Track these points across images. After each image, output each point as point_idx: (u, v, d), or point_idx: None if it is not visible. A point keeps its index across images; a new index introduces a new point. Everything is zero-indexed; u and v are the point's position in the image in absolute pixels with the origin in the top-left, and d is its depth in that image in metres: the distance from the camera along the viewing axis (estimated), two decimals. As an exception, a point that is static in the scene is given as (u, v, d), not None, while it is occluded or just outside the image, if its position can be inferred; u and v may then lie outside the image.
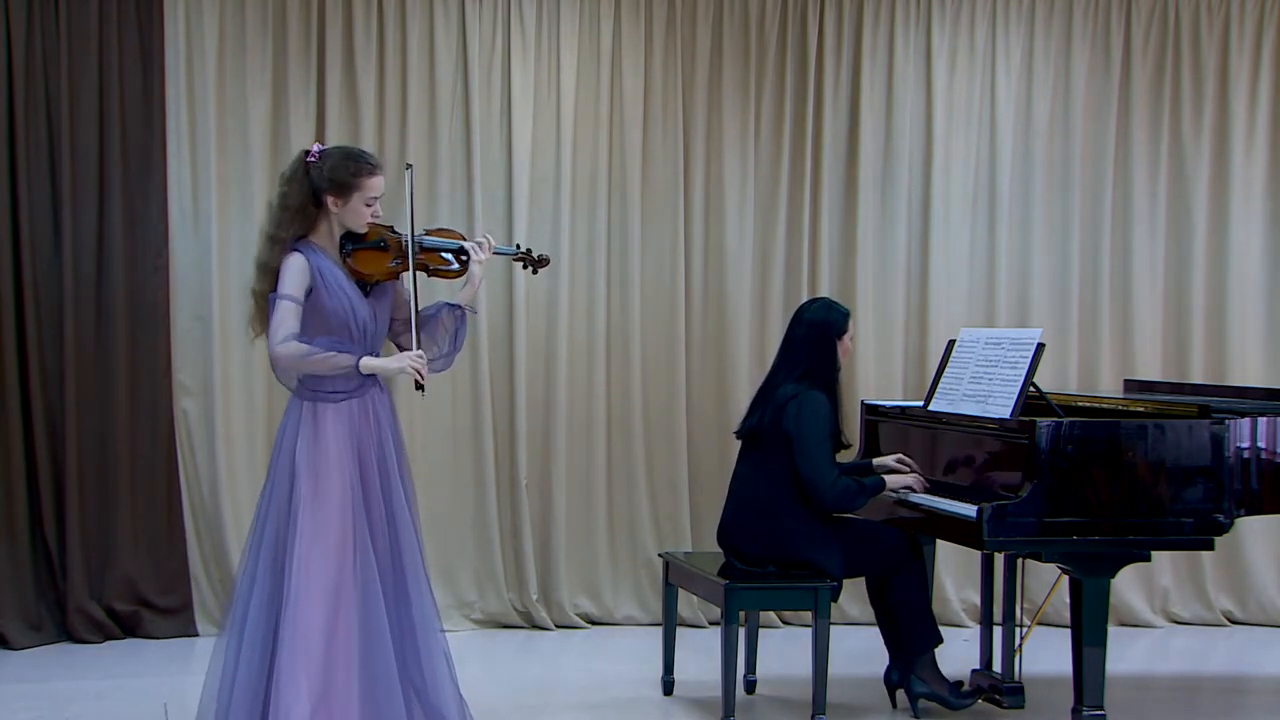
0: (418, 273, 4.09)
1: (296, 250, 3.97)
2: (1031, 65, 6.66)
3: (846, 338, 4.84)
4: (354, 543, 3.92)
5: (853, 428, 5.52)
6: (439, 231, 4.29)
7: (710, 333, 6.48)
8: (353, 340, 4.00)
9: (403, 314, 4.19)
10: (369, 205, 4.01)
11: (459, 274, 4.20)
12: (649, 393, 6.43)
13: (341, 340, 3.99)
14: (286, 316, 3.91)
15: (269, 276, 3.98)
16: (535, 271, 4.45)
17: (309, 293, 3.95)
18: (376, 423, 4.05)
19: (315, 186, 3.99)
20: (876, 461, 4.99)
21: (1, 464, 5.77)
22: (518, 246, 4.46)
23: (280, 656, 3.83)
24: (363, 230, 4.05)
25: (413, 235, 4.08)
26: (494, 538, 6.27)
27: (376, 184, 4.02)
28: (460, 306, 4.18)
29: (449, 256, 4.19)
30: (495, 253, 4.27)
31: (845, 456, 4.99)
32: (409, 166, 4.16)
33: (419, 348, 4.05)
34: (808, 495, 4.65)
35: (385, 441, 4.06)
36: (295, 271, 3.94)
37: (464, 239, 4.24)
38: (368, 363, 3.97)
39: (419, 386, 4.00)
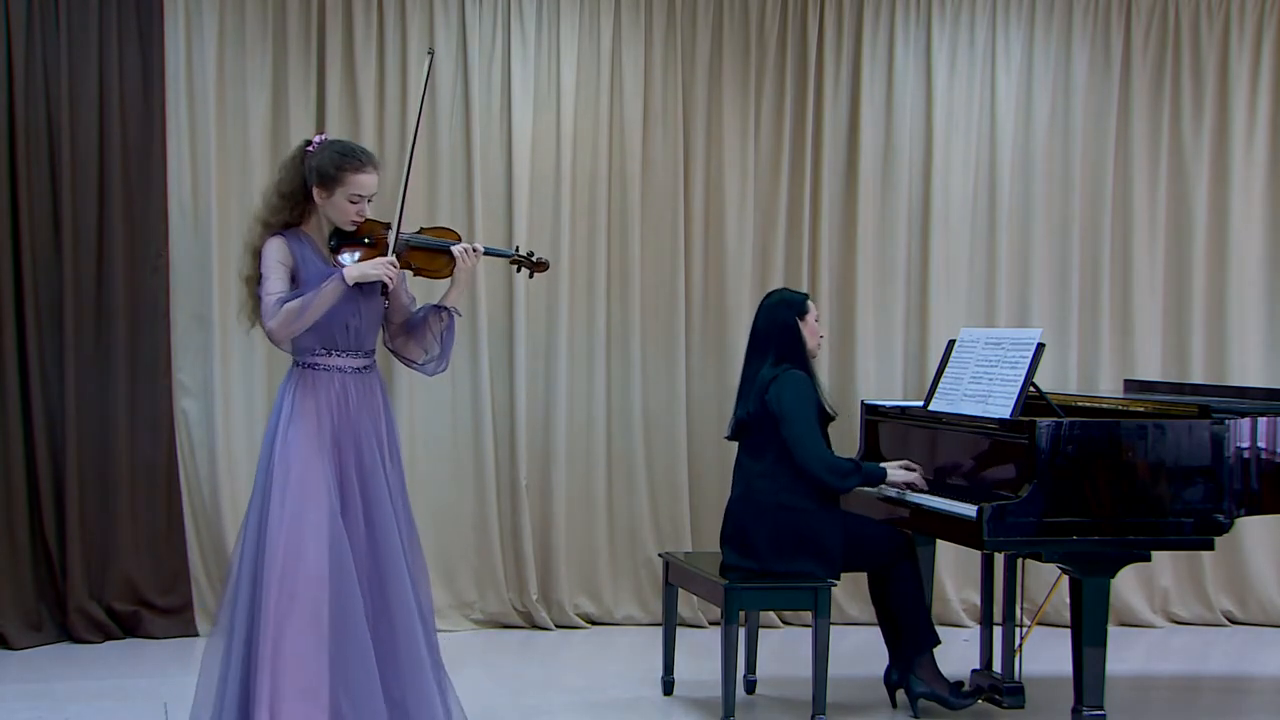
0: (404, 270, 4.07)
1: (278, 234, 3.94)
2: (1031, 65, 6.65)
3: (810, 318, 4.87)
4: (328, 532, 3.84)
5: (852, 426, 5.53)
6: (434, 230, 4.23)
7: (710, 333, 6.48)
8: (338, 337, 3.97)
9: (400, 318, 4.17)
10: (353, 202, 3.94)
11: (446, 276, 4.13)
12: (649, 393, 6.42)
13: (324, 338, 3.95)
14: (271, 299, 3.88)
15: (255, 259, 3.96)
16: (532, 275, 4.34)
17: (293, 277, 3.93)
18: (359, 409, 3.98)
19: (304, 176, 3.97)
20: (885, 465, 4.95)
21: (1, 464, 5.77)
22: (516, 249, 4.33)
23: (259, 651, 3.77)
24: (347, 227, 4.00)
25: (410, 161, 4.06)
26: (494, 538, 6.27)
27: (363, 181, 3.94)
28: (446, 309, 4.12)
29: (435, 255, 4.12)
30: (490, 254, 4.22)
31: (840, 444, 4.97)
32: (430, 52, 4.18)
33: (393, 254, 3.98)
34: (802, 471, 4.67)
35: (364, 431, 3.98)
36: (275, 254, 3.91)
37: (459, 240, 4.16)
38: (350, 272, 3.89)
39: (385, 291, 3.98)
